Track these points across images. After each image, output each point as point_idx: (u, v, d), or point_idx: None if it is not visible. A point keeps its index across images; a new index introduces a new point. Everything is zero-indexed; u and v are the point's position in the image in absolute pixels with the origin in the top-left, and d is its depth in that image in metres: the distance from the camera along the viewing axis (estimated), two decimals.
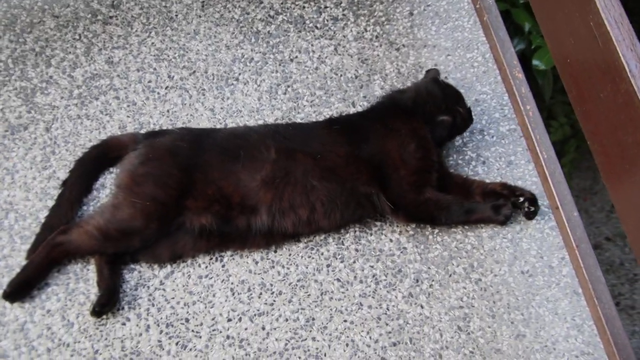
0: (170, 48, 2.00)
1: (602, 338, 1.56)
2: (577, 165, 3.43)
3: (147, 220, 1.51)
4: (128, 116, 1.83)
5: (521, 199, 1.67)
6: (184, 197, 1.54)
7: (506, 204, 1.66)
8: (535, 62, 2.36)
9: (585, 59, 1.50)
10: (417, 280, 1.62)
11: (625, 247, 3.32)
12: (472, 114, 1.78)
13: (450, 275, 1.63)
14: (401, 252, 1.66)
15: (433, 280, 1.62)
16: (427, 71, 1.83)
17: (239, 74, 1.96)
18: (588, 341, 1.57)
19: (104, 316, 1.51)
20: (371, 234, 1.69)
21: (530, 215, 1.69)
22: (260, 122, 1.87)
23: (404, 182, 1.60)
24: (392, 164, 1.61)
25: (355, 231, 1.68)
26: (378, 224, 1.70)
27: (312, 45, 2.07)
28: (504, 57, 1.91)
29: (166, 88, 1.91)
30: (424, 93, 1.73)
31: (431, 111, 1.70)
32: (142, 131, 1.79)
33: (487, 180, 1.77)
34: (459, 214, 1.65)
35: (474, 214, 1.66)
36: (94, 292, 1.54)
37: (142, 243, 1.54)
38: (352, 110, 1.92)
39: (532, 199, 1.68)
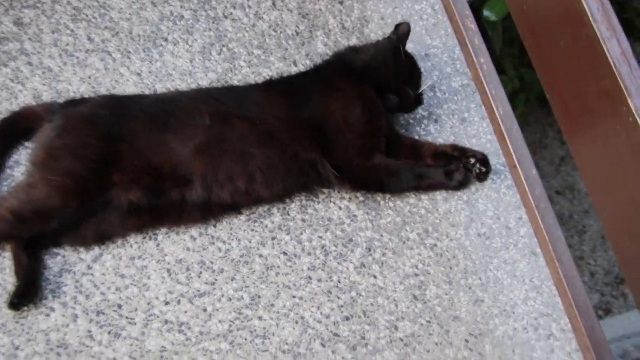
0: (89, 6, 1.87)
1: (562, 299, 1.54)
2: (526, 119, 3.50)
3: (65, 199, 1.41)
4: (43, 84, 1.70)
5: (472, 160, 1.64)
6: (109, 171, 1.45)
7: (459, 168, 1.64)
8: (485, 12, 2.32)
9: (543, 5, 1.45)
10: (369, 249, 1.59)
11: (574, 199, 3.48)
12: (423, 97, 1.74)
13: (404, 242, 1.61)
14: (351, 220, 1.62)
15: (386, 248, 1.60)
16: (397, 26, 1.73)
17: (168, 34, 1.85)
18: (547, 302, 1.56)
19: (24, 308, 1.40)
20: (318, 202, 1.64)
21: (481, 177, 1.66)
22: (194, 86, 1.78)
23: (349, 146, 1.55)
24: (336, 127, 1.56)
25: (301, 200, 1.63)
26: (326, 191, 1.65)
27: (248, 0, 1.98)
28: (454, 7, 1.86)
29: (86, 51, 1.78)
30: (378, 61, 1.67)
31: (380, 83, 1.65)
32: (60, 101, 1.66)
33: (440, 141, 1.75)
34: (410, 180, 1.61)
35: (425, 179, 1.63)
36: (11, 282, 1.43)
37: (62, 224, 1.44)
38: (293, 70, 1.85)
39: (483, 160, 1.65)
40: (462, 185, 1.65)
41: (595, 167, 1.33)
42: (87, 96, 1.69)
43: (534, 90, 3.14)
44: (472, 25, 1.83)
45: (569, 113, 1.39)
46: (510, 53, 2.99)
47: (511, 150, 1.70)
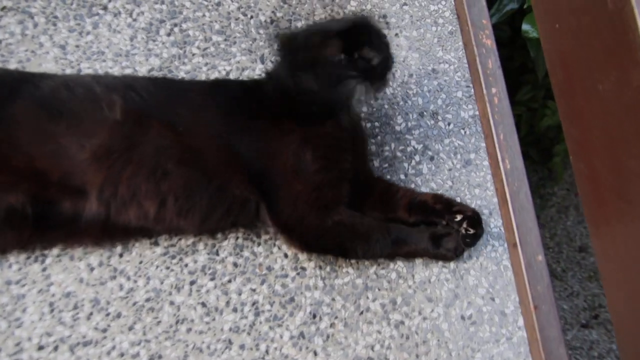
0: None
1: None
2: (569, 159, 3.29)
3: None
4: None
5: (458, 218, 1.46)
6: None
7: (450, 234, 1.47)
8: (525, 26, 2.10)
9: (583, 26, 1.19)
10: (315, 316, 1.45)
11: None
12: (392, 61, 1.50)
13: (361, 313, 1.46)
14: (297, 274, 1.49)
15: (336, 318, 1.45)
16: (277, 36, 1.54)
17: (109, 1, 1.72)
18: None
19: None
20: (259, 244, 1.50)
21: (467, 241, 1.48)
22: (128, 71, 1.64)
23: (300, 200, 1.39)
24: (280, 176, 1.40)
25: (237, 237, 1.50)
26: (270, 230, 1.50)
27: None
28: (468, 12, 1.65)
29: (2, 9, 1.66)
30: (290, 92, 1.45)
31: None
32: None
33: (432, 185, 1.60)
34: (383, 246, 1.45)
35: (404, 245, 1.47)
36: None
37: None
38: (258, 68, 1.71)
39: (473, 219, 1.47)
40: (454, 256, 1.49)
41: (624, 278, 1.08)
42: None
43: None
44: (487, 40, 1.61)
45: (599, 192, 1.14)
46: None
47: (513, 222, 1.48)
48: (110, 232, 1.41)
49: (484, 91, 1.60)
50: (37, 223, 1.36)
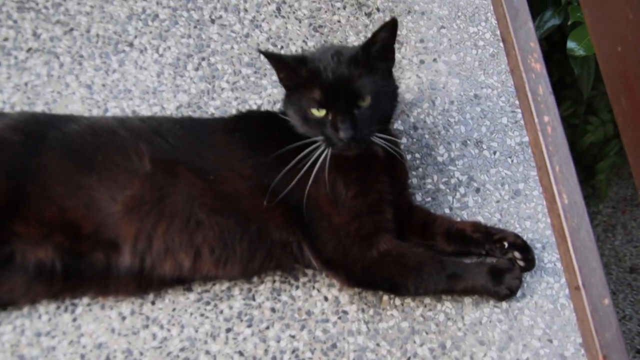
0: None
1: None
2: (617, 172, 3.29)
3: None
4: None
5: (505, 245, 1.42)
6: (10, 218, 1.31)
7: (513, 269, 1.40)
8: (570, 44, 2.04)
9: None
10: None
11: None
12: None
13: (408, 359, 1.40)
14: (339, 318, 1.43)
15: None
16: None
17: (135, 37, 1.73)
18: None
19: None
20: (297, 288, 1.46)
21: (524, 269, 1.44)
22: (156, 109, 1.63)
23: (341, 231, 1.34)
24: (317, 209, 1.35)
25: (274, 281, 1.46)
26: (309, 272, 1.46)
27: (245, 1, 1.88)
28: (514, 35, 1.62)
29: (28, 51, 1.68)
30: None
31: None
32: None
33: (479, 219, 1.53)
34: (437, 281, 1.37)
35: (461, 280, 1.39)
36: None
37: None
38: None
39: (521, 245, 1.43)
40: (512, 293, 1.41)
41: None
42: (19, 109, 1.60)
43: None
44: (537, 65, 1.55)
45: None
46: (604, 91, 2.72)
47: (574, 263, 1.41)
48: (144, 284, 1.41)
49: (536, 120, 1.54)
50: (67, 276, 1.37)
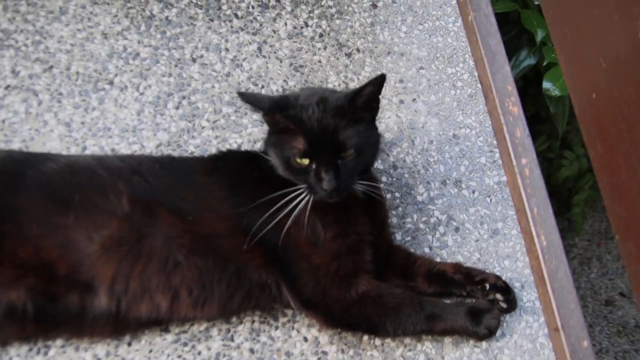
0: (22, 30, 1.76)
1: None
2: (592, 205, 3.31)
3: None
4: None
5: (487, 286, 1.42)
6: None
7: (492, 309, 1.40)
8: (546, 84, 2.06)
9: (628, 95, 1.12)
10: None
11: None
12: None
13: None
14: (319, 359, 1.40)
15: None
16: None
17: (115, 75, 1.72)
18: None
19: None
20: (276, 328, 1.43)
21: (506, 311, 1.44)
22: (136, 146, 1.62)
23: (320, 272, 1.33)
24: (296, 250, 1.34)
25: (253, 321, 1.42)
26: (289, 312, 1.44)
27: (226, 40, 1.86)
28: (492, 79, 1.62)
29: (6, 88, 1.66)
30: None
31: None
32: None
33: (459, 258, 1.52)
34: (416, 322, 1.36)
35: (440, 321, 1.38)
36: None
37: None
38: None
39: (502, 287, 1.43)
40: (492, 334, 1.40)
41: None
42: None
43: None
44: (514, 108, 1.56)
45: None
46: (578, 126, 2.75)
47: (553, 304, 1.40)
48: (120, 326, 1.37)
49: (514, 162, 1.56)
50: (40, 318, 1.32)
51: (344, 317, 1.35)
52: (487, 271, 1.47)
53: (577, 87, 1.30)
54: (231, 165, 1.44)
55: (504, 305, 1.41)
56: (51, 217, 1.31)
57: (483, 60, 1.70)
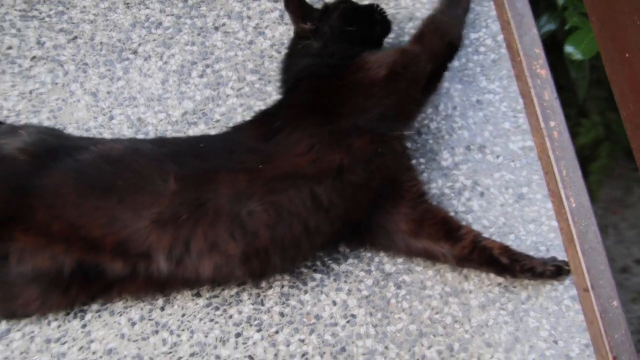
0: (45, 1, 1.79)
1: None
2: (609, 173, 3.28)
3: None
4: None
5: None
6: (10, 223, 1.32)
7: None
8: (568, 48, 2.08)
9: None
10: None
11: None
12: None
13: None
14: (347, 322, 1.44)
15: None
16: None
17: (139, 45, 1.75)
18: None
19: None
20: (305, 292, 1.47)
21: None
22: (162, 115, 1.66)
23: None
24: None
25: (282, 286, 1.47)
26: (317, 277, 1.48)
27: (248, 8, 1.87)
28: (519, 42, 1.63)
29: (32, 59, 1.70)
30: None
31: None
32: None
33: (484, 223, 1.55)
34: None
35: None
36: None
37: None
38: None
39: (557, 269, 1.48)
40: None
41: None
42: (24, 117, 1.60)
43: (620, 141, 2.93)
44: (542, 71, 1.58)
45: None
46: (596, 95, 2.77)
47: (583, 265, 1.42)
48: (159, 285, 1.39)
49: (542, 125, 1.57)
50: (80, 283, 1.36)
51: None
52: (534, 258, 1.47)
53: (609, 47, 1.33)
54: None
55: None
56: (90, 201, 1.33)
57: (510, 24, 1.72)
